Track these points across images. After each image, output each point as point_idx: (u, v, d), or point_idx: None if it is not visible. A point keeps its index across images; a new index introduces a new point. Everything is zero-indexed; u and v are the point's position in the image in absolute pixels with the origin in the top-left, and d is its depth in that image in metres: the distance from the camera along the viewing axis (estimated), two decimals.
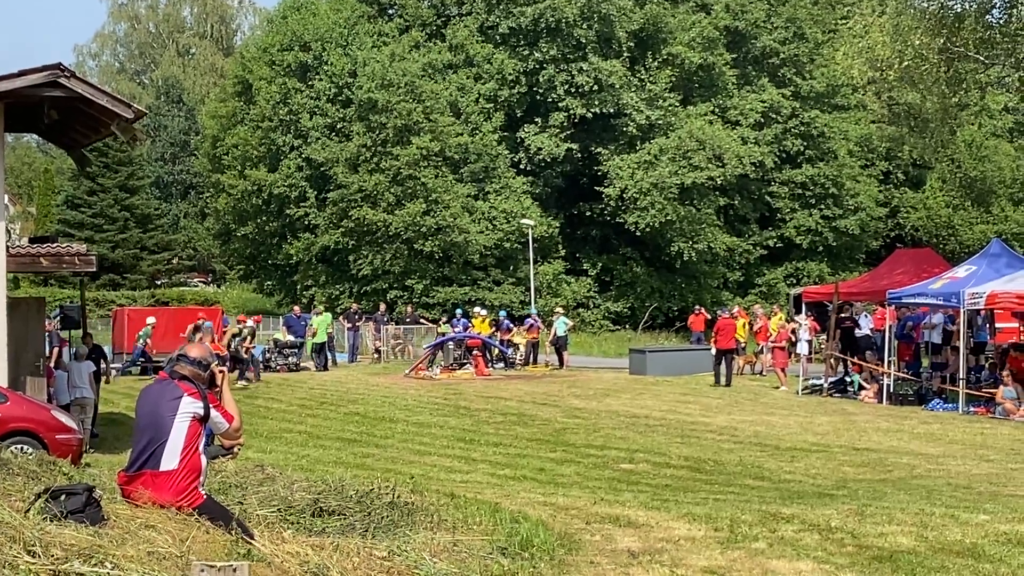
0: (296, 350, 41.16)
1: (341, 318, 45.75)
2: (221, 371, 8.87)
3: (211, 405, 8.43)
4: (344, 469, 17.22)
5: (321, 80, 62.54)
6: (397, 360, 43.66)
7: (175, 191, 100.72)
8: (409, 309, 49.77)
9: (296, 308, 46.57)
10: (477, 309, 45.19)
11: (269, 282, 70.77)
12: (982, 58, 33.85)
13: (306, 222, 62.27)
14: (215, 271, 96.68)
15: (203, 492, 8.30)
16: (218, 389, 8.82)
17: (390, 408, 29.04)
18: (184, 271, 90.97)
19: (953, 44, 32.26)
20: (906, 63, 32.59)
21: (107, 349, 36.00)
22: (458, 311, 46.25)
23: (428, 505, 11.16)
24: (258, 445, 21.23)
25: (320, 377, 38.09)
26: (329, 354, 41.49)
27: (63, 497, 7.40)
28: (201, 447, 8.39)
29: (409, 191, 57.64)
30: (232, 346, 34.64)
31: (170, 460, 8.11)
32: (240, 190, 64.07)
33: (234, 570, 4.39)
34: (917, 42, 31.98)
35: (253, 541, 7.83)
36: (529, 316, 44.41)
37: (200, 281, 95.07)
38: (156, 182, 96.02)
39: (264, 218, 64.74)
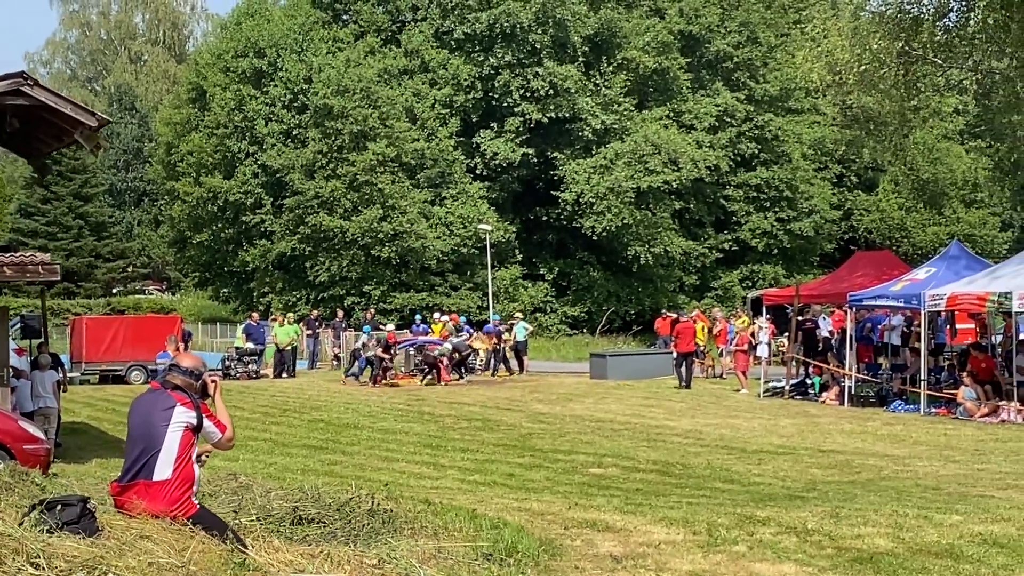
0: (256, 357, 41.09)
1: (301, 325, 45.60)
2: (213, 381, 8.88)
3: (204, 415, 8.43)
4: (314, 476, 17.18)
5: (276, 86, 62.37)
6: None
7: (129, 199, 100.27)
8: (368, 314, 49.56)
9: (254, 315, 46.34)
10: (437, 315, 45.16)
11: (225, 289, 70.61)
12: (940, 61, 34.14)
13: (262, 229, 62.10)
14: (170, 279, 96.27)
15: (196, 502, 8.30)
16: (210, 399, 8.83)
17: (354, 415, 28.96)
18: (139, 279, 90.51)
19: (911, 48, 32.51)
20: (864, 66, 32.83)
21: (64, 358, 35.91)
22: (417, 316, 46.19)
23: (406, 512, 11.15)
24: (223, 453, 21.06)
25: (281, 384, 38.02)
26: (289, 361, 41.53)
27: (58, 508, 7.38)
28: (194, 456, 8.39)
29: (366, 197, 57.57)
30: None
31: (163, 470, 8.10)
32: (195, 197, 63.88)
33: None
34: (875, 46, 32.21)
35: (247, 551, 7.84)
36: (489, 322, 44.41)
37: (155, 289, 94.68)
38: (109, 190, 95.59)
39: (220, 225, 64.52)
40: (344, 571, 7.97)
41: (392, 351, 38.57)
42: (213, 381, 8.88)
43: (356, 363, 38.58)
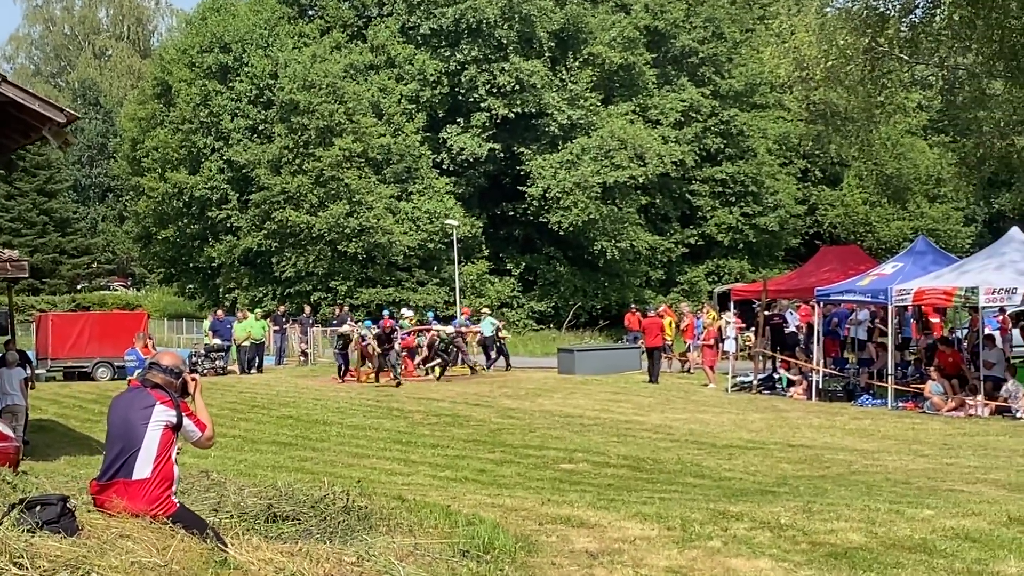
0: (223, 354, 40.95)
1: (268, 321, 45.45)
2: (193, 379, 8.85)
3: (184, 414, 8.40)
4: (285, 473, 17.13)
5: (242, 82, 62.17)
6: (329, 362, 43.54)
7: (93, 194, 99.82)
8: (339, 311, 49.37)
9: (219, 311, 46.16)
10: (404, 311, 45.06)
11: (191, 285, 70.36)
12: (906, 57, 34.30)
13: (228, 224, 61.91)
14: (135, 275, 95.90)
15: (176, 500, 8.28)
16: (191, 397, 8.81)
17: (323, 411, 28.93)
18: (104, 275, 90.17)
19: (877, 44, 32.65)
20: (831, 62, 32.97)
21: (30, 355, 35.72)
22: (385, 312, 46.00)
23: (380, 509, 11.12)
24: (193, 450, 20.97)
25: (248, 380, 37.92)
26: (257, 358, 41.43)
27: (38, 508, 7.34)
28: (174, 456, 8.36)
29: (332, 192, 57.51)
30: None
31: (143, 469, 8.06)
32: (160, 193, 63.65)
33: None
34: (842, 42, 32.36)
35: (228, 549, 7.82)
36: (456, 317, 44.32)
37: (120, 285, 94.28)
38: (74, 186, 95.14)
39: (185, 221, 64.33)
40: (323, 569, 7.97)
41: (394, 340, 36.82)
42: (193, 379, 8.86)
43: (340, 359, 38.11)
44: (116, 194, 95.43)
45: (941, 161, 58.17)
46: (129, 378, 26.47)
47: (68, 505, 7.44)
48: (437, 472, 19.27)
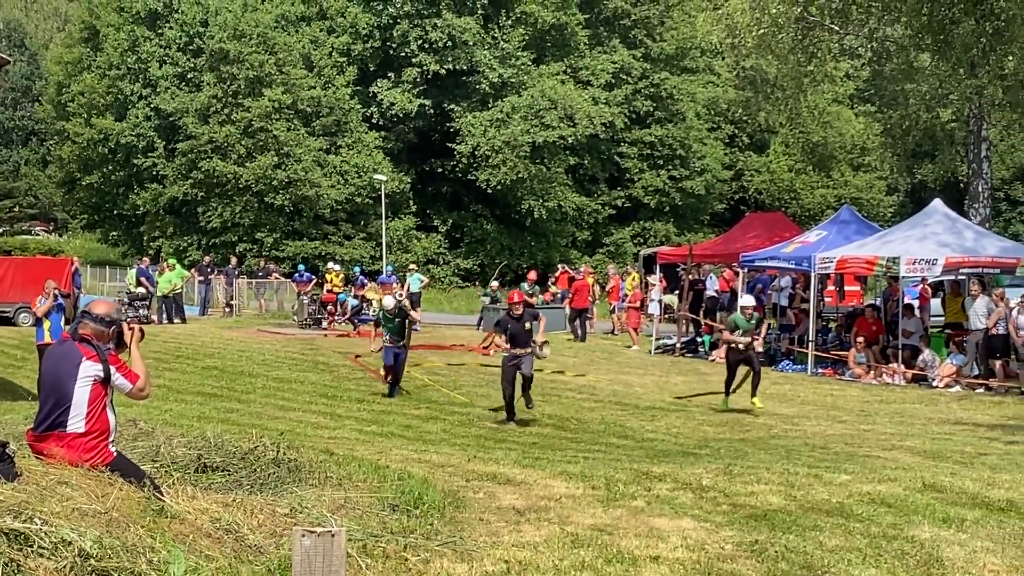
0: (146, 303, 40.68)
1: (192, 270, 45.20)
2: (131, 328, 8.87)
3: (112, 366, 8.42)
4: (211, 424, 17.13)
5: (171, 28, 61.74)
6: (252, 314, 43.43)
7: (16, 137, 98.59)
8: (263, 263, 49.27)
9: (145, 259, 45.82)
10: (331, 264, 44.96)
11: (115, 232, 69.82)
12: (836, 27, 34.64)
13: (154, 172, 61.54)
14: (57, 220, 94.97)
15: (113, 450, 8.35)
16: (127, 348, 8.84)
17: (248, 363, 28.84)
18: (26, 219, 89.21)
19: (809, 13, 32.96)
20: (763, 30, 33.24)
21: None
22: (300, 267, 45.67)
23: (310, 462, 11.25)
24: (119, 399, 20.90)
25: (172, 330, 37.71)
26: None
27: None
28: (108, 406, 8.42)
29: (260, 143, 57.27)
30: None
31: (76, 423, 8.13)
32: (86, 138, 63.08)
33: (332, 535, 4.59)
34: (774, 10, 32.62)
35: (164, 498, 7.92)
36: (381, 272, 44.29)
37: (42, 230, 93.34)
38: None
39: (110, 167, 63.76)
40: (258, 520, 8.10)
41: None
42: (131, 329, 8.87)
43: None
44: (40, 138, 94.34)
45: (867, 131, 58.88)
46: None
47: (7, 451, 7.49)
48: (363, 427, 19.34)
